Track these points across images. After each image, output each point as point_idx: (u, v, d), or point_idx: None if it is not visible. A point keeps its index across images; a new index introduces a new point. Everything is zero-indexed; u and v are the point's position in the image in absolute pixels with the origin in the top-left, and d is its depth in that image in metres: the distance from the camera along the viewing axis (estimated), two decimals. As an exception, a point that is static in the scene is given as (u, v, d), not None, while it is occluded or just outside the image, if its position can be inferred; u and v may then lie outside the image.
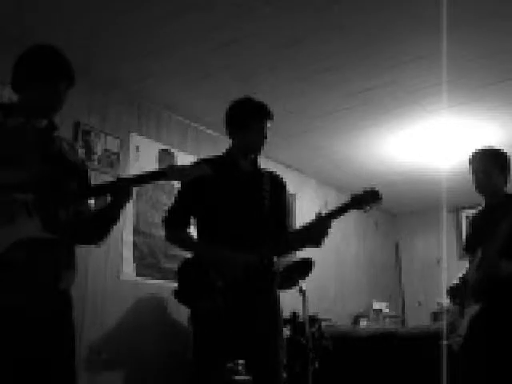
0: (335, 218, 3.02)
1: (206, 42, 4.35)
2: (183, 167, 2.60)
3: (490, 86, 5.01)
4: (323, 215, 3.02)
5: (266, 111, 3.20)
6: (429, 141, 6.25)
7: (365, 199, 3.05)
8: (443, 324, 3.79)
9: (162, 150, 5.46)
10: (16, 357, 2.36)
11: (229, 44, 4.37)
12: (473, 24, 4.12)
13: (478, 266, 3.39)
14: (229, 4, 3.92)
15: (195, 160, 3.24)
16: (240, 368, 4.67)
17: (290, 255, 3.27)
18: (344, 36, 4.27)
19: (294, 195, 6.98)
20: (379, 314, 7.56)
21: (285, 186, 3.36)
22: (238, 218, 3.08)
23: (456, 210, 7.86)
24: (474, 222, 3.66)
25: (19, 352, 2.37)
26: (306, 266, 5.03)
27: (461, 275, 3.59)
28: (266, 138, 3.20)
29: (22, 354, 2.37)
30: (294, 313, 5.35)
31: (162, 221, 3.21)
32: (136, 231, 5.11)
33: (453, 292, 3.57)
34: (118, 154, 5.04)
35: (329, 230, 3.00)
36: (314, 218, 3.01)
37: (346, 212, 3.05)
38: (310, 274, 5.14)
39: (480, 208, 3.67)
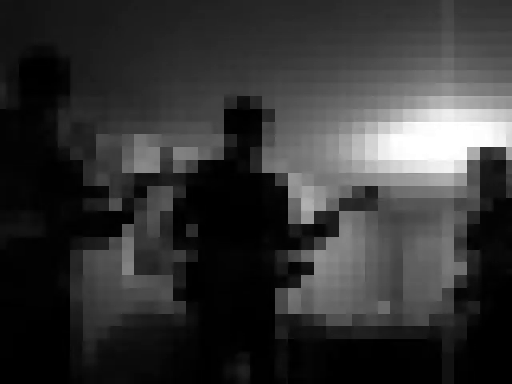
0: (337, 215, 3.09)
1: (206, 42, 4.37)
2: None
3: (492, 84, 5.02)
4: (325, 214, 3.08)
5: (264, 113, 3.20)
6: (430, 140, 6.25)
7: (363, 196, 3.09)
8: (444, 324, 3.71)
9: (162, 149, 5.45)
10: (14, 356, 2.39)
11: (229, 44, 4.40)
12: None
13: (483, 265, 3.39)
14: (232, 4, 3.94)
15: (195, 159, 3.27)
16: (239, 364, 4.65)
17: (291, 255, 3.29)
18: (343, 34, 4.28)
19: (292, 193, 6.95)
20: (381, 314, 7.54)
21: (285, 187, 3.36)
22: (236, 219, 3.10)
23: (457, 208, 7.85)
24: (477, 223, 3.65)
25: (16, 351, 2.40)
26: (305, 268, 5.01)
27: (461, 274, 3.60)
28: (263, 138, 3.21)
29: (20, 353, 2.40)
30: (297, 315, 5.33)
31: (164, 222, 3.25)
32: (136, 231, 5.09)
33: (457, 290, 3.56)
34: (117, 154, 5.03)
35: (333, 228, 3.07)
36: (317, 217, 3.07)
37: (346, 209, 3.11)
38: (308, 276, 5.12)
39: (483, 209, 3.64)
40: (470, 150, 3.64)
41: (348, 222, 7.78)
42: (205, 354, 3.00)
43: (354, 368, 5.50)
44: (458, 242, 3.62)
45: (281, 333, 3.17)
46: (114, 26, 4.18)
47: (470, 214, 3.65)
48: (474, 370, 3.30)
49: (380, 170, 7.12)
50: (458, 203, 7.27)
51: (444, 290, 3.74)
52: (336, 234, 3.20)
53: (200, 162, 3.21)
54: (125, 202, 2.73)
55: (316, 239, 3.21)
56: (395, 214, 9.11)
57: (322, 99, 5.35)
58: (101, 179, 2.81)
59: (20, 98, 2.59)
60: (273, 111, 3.26)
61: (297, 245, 3.21)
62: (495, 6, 3.81)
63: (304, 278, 5.02)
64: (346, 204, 3.14)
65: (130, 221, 2.73)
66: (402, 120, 5.77)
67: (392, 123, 5.85)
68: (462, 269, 3.62)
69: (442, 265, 7.97)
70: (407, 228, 9.04)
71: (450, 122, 5.78)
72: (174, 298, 3.14)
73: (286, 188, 3.33)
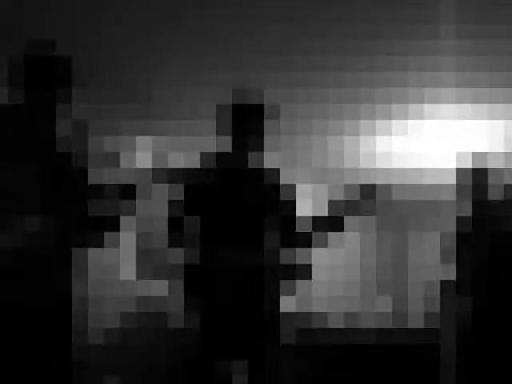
0: (339, 217, 3.04)
1: (205, 43, 4.33)
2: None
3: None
4: (327, 216, 3.01)
5: (266, 109, 3.11)
6: (432, 139, 6.18)
7: (358, 197, 3.03)
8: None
9: (162, 148, 5.43)
10: (16, 356, 2.43)
11: (228, 43, 4.34)
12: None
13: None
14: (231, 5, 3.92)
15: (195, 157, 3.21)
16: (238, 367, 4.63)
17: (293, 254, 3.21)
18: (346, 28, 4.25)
19: (292, 193, 6.94)
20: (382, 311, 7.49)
21: (286, 186, 3.33)
22: (236, 218, 3.00)
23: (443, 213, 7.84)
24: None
25: (19, 352, 2.43)
26: (304, 270, 5.02)
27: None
28: (263, 135, 3.14)
29: (22, 354, 2.44)
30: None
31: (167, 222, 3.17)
32: (135, 230, 5.08)
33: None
34: (118, 154, 4.99)
35: (335, 230, 3.02)
36: (319, 218, 3.01)
37: (336, 213, 3.04)
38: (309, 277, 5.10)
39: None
40: (459, 155, 3.50)
41: (349, 218, 7.66)
42: (202, 359, 2.94)
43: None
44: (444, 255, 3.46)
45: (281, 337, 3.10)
46: (113, 21, 4.17)
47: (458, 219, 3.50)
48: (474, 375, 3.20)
49: (379, 165, 6.96)
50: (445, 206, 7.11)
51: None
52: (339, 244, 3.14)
53: (202, 154, 3.12)
54: (108, 205, 2.70)
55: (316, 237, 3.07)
56: (399, 210, 8.95)
57: (318, 98, 5.27)
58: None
59: (23, 95, 2.60)
60: (277, 107, 3.17)
61: (307, 243, 3.09)
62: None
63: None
64: (335, 207, 3.05)
65: (113, 228, 2.69)
66: (402, 116, 5.69)
67: (391, 120, 5.76)
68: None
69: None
70: (409, 225, 8.90)
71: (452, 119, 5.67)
72: (186, 310, 3.09)
73: (293, 187, 3.27)
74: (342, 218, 3.09)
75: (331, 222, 3.09)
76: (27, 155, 2.51)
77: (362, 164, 6.29)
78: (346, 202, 3.10)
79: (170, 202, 3.07)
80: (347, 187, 3.17)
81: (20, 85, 2.59)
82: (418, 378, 4.31)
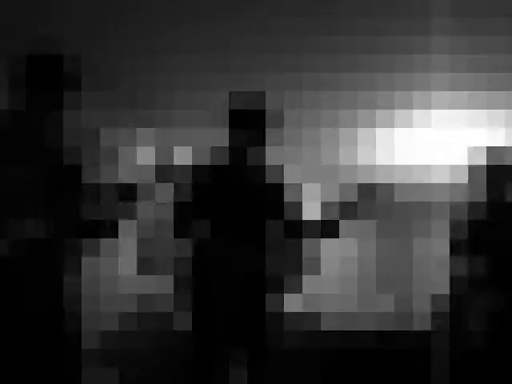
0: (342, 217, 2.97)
1: (205, 43, 4.31)
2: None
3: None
4: (338, 219, 2.95)
5: (269, 116, 3.05)
6: (433, 139, 6.19)
7: (356, 198, 2.98)
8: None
9: (163, 147, 5.45)
10: (17, 356, 2.44)
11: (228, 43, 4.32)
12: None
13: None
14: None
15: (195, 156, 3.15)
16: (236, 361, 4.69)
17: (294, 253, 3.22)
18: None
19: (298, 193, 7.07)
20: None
21: (290, 185, 3.23)
22: (234, 221, 2.94)
23: (453, 216, 8.14)
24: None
25: (20, 352, 2.45)
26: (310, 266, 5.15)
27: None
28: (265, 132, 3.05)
29: (23, 354, 2.45)
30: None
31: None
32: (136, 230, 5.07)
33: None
34: (117, 152, 4.91)
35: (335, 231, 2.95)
36: (328, 222, 2.95)
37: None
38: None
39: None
40: (471, 150, 3.49)
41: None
42: (200, 354, 2.92)
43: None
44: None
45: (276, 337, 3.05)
46: (113, 18, 4.20)
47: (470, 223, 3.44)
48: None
49: (398, 162, 6.99)
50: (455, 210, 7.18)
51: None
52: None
53: (194, 149, 3.13)
54: (105, 207, 2.69)
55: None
56: (404, 209, 9.04)
57: (319, 97, 5.03)
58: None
59: (26, 97, 2.57)
60: (281, 96, 3.20)
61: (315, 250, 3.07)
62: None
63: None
64: (347, 209, 2.99)
65: (110, 234, 2.72)
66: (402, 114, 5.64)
67: (391, 119, 5.69)
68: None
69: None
70: (414, 223, 8.97)
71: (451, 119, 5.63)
72: (176, 308, 3.15)
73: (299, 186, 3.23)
74: (355, 222, 3.08)
75: (342, 227, 3.04)
76: (21, 158, 2.49)
77: (378, 161, 6.19)
78: (360, 203, 3.06)
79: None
80: (361, 187, 3.11)
81: (22, 88, 2.57)
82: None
